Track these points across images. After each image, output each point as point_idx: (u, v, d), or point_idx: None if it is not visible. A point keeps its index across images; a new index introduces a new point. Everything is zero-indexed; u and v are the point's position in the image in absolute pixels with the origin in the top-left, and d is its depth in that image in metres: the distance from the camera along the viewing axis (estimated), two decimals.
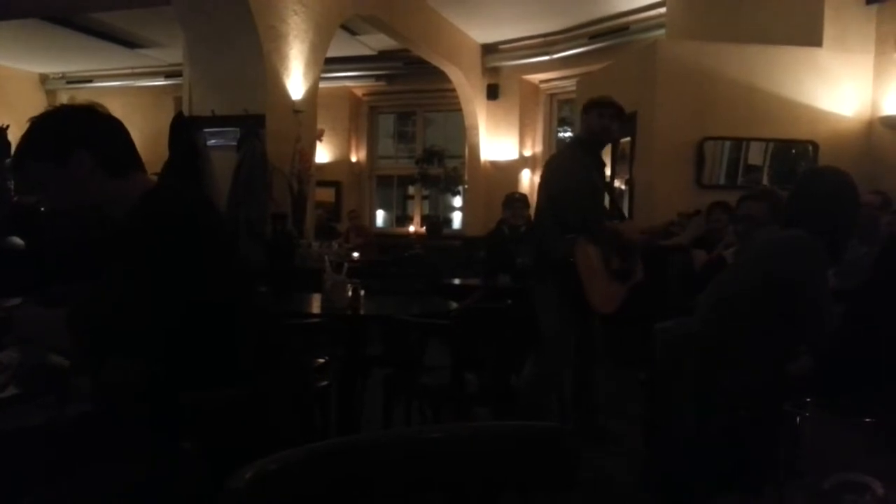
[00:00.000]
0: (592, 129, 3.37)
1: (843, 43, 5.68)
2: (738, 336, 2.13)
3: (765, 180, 5.69)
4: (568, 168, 3.28)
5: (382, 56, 9.69)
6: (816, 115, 5.64)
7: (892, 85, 5.52)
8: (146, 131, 10.22)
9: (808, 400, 0.78)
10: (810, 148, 5.63)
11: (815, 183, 2.37)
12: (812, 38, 5.67)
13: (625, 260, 3.28)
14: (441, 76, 9.30)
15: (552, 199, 3.24)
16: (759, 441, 1.53)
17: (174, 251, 1.39)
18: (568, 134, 9.57)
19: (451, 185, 9.75)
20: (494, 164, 9.84)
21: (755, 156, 5.70)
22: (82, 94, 10.84)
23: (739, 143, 5.67)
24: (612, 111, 3.38)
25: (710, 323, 2.25)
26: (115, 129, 1.56)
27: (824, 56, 5.65)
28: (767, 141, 5.66)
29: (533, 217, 3.52)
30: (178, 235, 1.42)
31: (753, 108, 5.58)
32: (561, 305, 3.21)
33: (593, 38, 8.52)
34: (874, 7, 5.68)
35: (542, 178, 3.42)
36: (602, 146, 3.56)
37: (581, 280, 3.11)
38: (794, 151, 5.71)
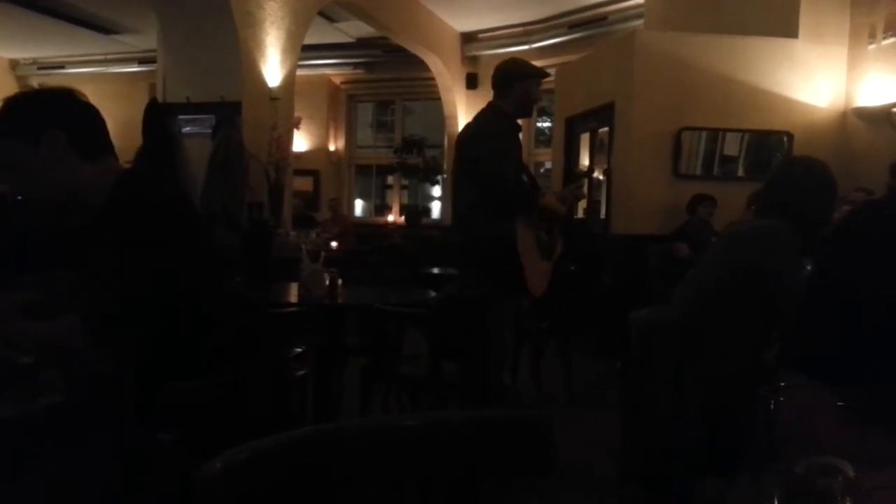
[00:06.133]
0: (525, 99, 3.13)
1: (819, 34, 5.73)
2: (714, 324, 2.14)
3: (740, 171, 5.74)
4: (503, 144, 3.02)
5: (361, 44, 9.62)
6: (791, 106, 5.70)
7: (866, 76, 5.59)
8: (119, 118, 10.05)
9: (782, 384, 0.79)
10: (785, 138, 5.69)
11: (791, 172, 2.39)
12: (788, 29, 5.72)
13: (548, 235, 3.16)
14: (420, 65, 9.26)
15: (490, 176, 2.96)
16: (734, 427, 1.54)
17: (158, 239, 1.37)
18: (547, 124, 9.57)
19: (430, 174, 9.73)
20: None
21: (731, 146, 5.75)
22: (54, 81, 10.60)
23: (716, 134, 5.71)
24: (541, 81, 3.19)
25: (687, 311, 2.27)
26: (91, 114, 1.54)
27: (800, 47, 5.71)
28: (743, 131, 5.71)
29: (453, 196, 3.20)
30: (162, 223, 1.40)
31: (730, 99, 5.63)
32: (502, 289, 3.04)
33: (572, 27, 8.53)
34: None
35: (469, 151, 3.07)
36: (526, 117, 3.33)
37: (522, 263, 2.96)
38: (769, 142, 5.76)
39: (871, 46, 5.50)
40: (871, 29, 5.51)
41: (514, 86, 3.10)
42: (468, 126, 3.20)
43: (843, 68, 5.79)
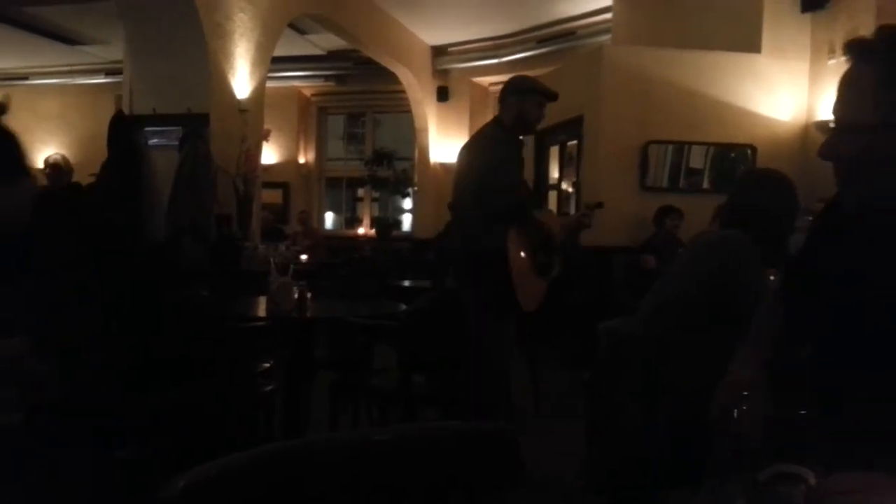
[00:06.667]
0: (524, 115, 3.09)
1: (781, 50, 5.87)
2: (680, 335, 2.17)
3: (705, 183, 5.84)
4: (497, 153, 3.03)
5: (332, 56, 9.61)
6: (755, 120, 5.82)
7: (826, 91, 5.73)
8: (85, 130, 10.00)
9: (745, 394, 0.80)
10: (749, 151, 5.80)
11: (753, 184, 2.43)
12: (751, 44, 5.86)
13: (546, 253, 3.13)
14: (391, 77, 9.28)
15: (480, 185, 2.95)
16: (701, 437, 1.56)
17: (82, 257, 1.35)
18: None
19: (400, 187, 9.73)
20: (444, 167, 9.85)
21: (696, 159, 5.85)
22: (17, 92, 10.41)
23: (682, 147, 5.81)
24: (548, 101, 3.13)
25: (652, 323, 2.29)
26: (6, 137, 1.50)
27: (762, 62, 5.84)
28: (708, 144, 5.81)
29: (452, 208, 3.20)
30: (82, 241, 1.38)
31: (695, 113, 5.73)
32: (495, 301, 2.99)
33: (541, 42, 8.63)
34: (809, 16, 5.89)
35: (464, 163, 3.10)
36: (525, 134, 3.28)
37: (511, 274, 2.92)
38: (733, 155, 5.88)
39: (831, 62, 5.65)
40: (830, 45, 5.66)
41: (507, 100, 3.12)
42: (469, 138, 3.25)
43: (804, 83, 5.93)
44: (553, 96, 3.15)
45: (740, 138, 5.80)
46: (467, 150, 3.14)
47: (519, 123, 3.12)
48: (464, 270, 3.11)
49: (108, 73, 9.78)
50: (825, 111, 5.72)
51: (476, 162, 3.03)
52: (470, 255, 3.02)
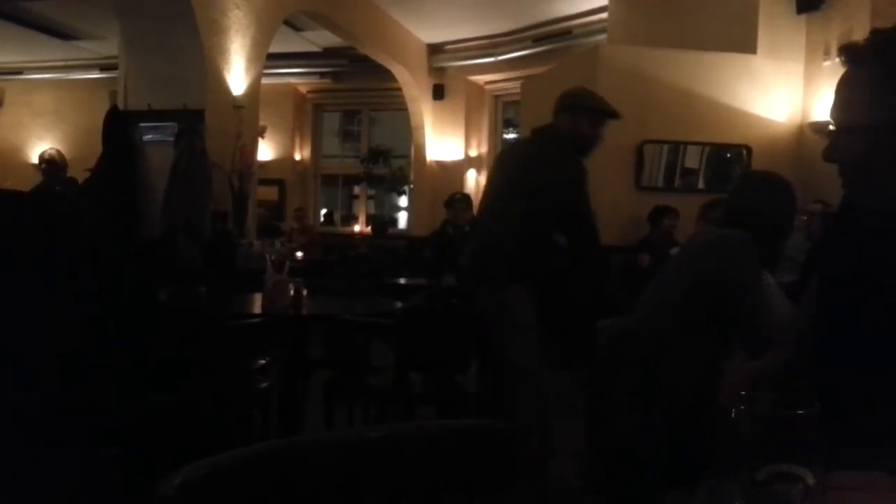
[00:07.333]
0: (579, 134, 2.88)
1: (776, 51, 5.88)
2: (676, 333, 2.17)
3: (700, 183, 5.85)
4: (574, 170, 2.84)
5: (327, 53, 9.59)
6: (750, 120, 5.83)
7: (821, 92, 5.75)
8: (79, 126, 9.94)
9: (743, 393, 0.80)
10: (744, 152, 5.81)
11: (750, 186, 2.44)
12: (747, 45, 5.86)
13: None
14: (387, 75, 9.27)
15: (569, 210, 2.84)
16: (698, 436, 1.57)
17: (42, 260, 1.34)
18: (513, 136, 9.63)
19: (396, 184, 9.73)
20: (440, 164, 9.86)
21: (692, 159, 5.86)
22: (11, 87, 10.36)
23: (677, 147, 5.81)
24: (607, 119, 2.87)
25: (650, 323, 2.29)
26: None
27: (758, 63, 5.85)
28: (703, 145, 5.82)
29: (495, 213, 2.98)
30: (84, 240, 1.37)
31: (691, 113, 5.73)
32: (541, 322, 2.87)
33: (537, 41, 8.63)
34: (804, 17, 5.91)
35: (539, 172, 2.88)
36: (583, 156, 3.01)
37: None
38: (728, 155, 5.89)
39: (826, 63, 5.66)
40: (825, 46, 5.67)
41: (559, 115, 2.91)
42: (537, 151, 3.00)
43: (799, 84, 5.94)
44: (611, 114, 2.89)
45: (735, 139, 5.81)
46: (542, 165, 2.87)
47: (575, 143, 2.89)
48: (517, 287, 2.86)
49: (102, 68, 9.73)
50: (820, 112, 5.73)
51: (557, 182, 2.83)
52: (532, 270, 2.86)
